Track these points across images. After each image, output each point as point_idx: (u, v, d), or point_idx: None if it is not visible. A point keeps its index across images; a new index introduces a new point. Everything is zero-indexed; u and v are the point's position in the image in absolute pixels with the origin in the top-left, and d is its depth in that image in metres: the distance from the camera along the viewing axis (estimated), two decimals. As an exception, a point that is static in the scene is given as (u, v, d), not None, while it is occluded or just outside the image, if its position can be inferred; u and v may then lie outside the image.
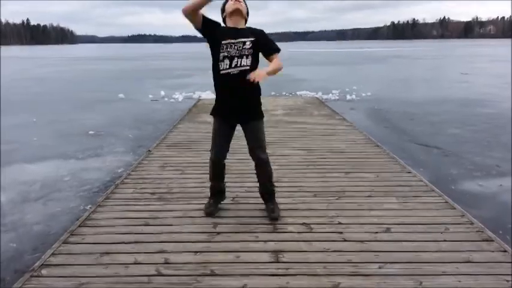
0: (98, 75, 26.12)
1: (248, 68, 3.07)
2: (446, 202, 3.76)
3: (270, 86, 14.04)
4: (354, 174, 4.59)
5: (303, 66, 31.37)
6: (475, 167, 6.15)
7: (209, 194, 3.59)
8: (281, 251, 2.88)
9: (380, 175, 4.54)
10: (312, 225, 3.27)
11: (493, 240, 3.01)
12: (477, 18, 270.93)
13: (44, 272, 2.64)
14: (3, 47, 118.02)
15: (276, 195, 3.53)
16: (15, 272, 3.26)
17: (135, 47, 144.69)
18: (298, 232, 3.17)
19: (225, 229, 3.23)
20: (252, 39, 3.09)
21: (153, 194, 4.02)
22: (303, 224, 3.30)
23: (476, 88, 16.55)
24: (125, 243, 3.01)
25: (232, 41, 3.05)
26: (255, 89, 3.18)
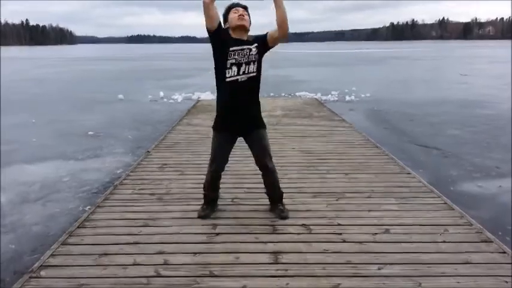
0: (97, 76, 26.12)
1: (255, 74, 3.13)
2: (445, 203, 3.76)
3: (269, 87, 14.05)
4: (353, 175, 4.59)
5: (302, 67, 31.41)
6: (474, 168, 6.16)
7: (204, 201, 3.58)
8: (280, 252, 2.87)
9: (379, 176, 4.54)
10: (311, 226, 3.27)
11: (492, 242, 3.01)
12: (476, 19, 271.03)
13: (43, 273, 2.64)
14: (2, 48, 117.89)
15: None
16: (15, 273, 3.25)
17: (135, 48, 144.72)
18: (297, 233, 3.17)
19: (225, 230, 3.23)
20: (256, 44, 3.13)
21: (152, 194, 4.02)
22: (302, 225, 3.30)
23: (475, 89, 16.57)
24: (124, 244, 3.01)
25: (240, 48, 3.08)
26: (257, 101, 3.25)
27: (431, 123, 9.84)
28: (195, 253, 2.87)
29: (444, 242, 3.02)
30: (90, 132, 8.84)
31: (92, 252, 2.89)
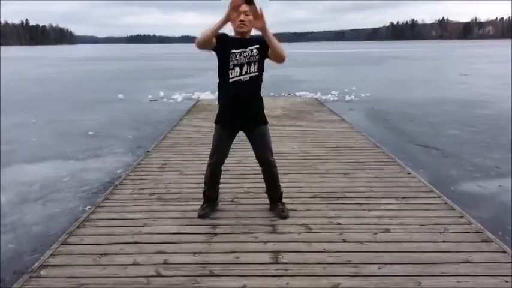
0: (97, 76, 26.13)
1: (257, 73, 3.19)
2: (445, 203, 3.76)
3: (269, 87, 14.03)
4: (353, 175, 4.59)
5: (302, 67, 31.38)
6: (474, 168, 6.16)
7: (203, 200, 3.58)
8: (280, 252, 2.87)
9: (379, 176, 4.54)
10: (311, 226, 3.27)
11: (492, 241, 3.01)
12: (476, 19, 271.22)
13: (43, 272, 2.64)
14: (2, 48, 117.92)
15: None
16: (15, 273, 3.25)
17: (135, 48, 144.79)
18: (297, 233, 3.17)
19: (224, 230, 3.23)
20: (258, 46, 3.16)
21: (152, 194, 4.02)
22: (303, 224, 3.30)
23: (475, 89, 16.58)
24: (124, 244, 3.01)
25: (241, 49, 3.12)
26: (259, 97, 3.31)
27: (431, 123, 9.84)
28: (195, 253, 2.87)
29: (444, 241, 3.02)
30: (90, 132, 8.84)
31: (92, 252, 2.89)
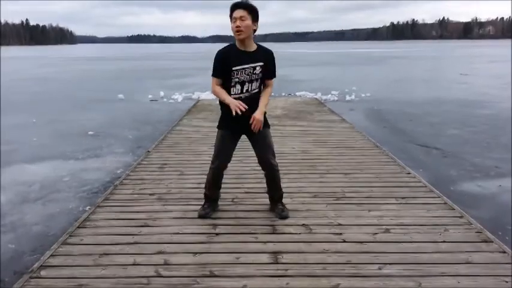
0: (97, 76, 26.13)
1: (257, 90, 3.21)
2: (445, 203, 3.76)
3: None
4: (353, 175, 4.59)
5: (302, 67, 31.39)
6: (474, 168, 6.15)
7: (204, 200, 3.57)
8: (280, 252, 2.87)
9: (379, 176, 4.54)
10: (311, 226, 3.27)
11: (492, 241, 3.01)
12: (476, 19, 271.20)
13: (43, 273, 2.64)
14: (2, 48, 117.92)
15: None
16: (14, 273, 3.25)
17: (135, 47, 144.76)
18: (297, 233, 3.17)
19: (225, 230, 3.23)
20: (261, 63, 3.15)
21: (152, 194, 4.02)
22: (303, 225, 3.30)
23: (475, 89, 16.57)
24: (124, 244, 3.01)
25: (244, 66, 3.10)
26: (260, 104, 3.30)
27: (431, 123, 9.84)
28: (195, 253, 2.87)
29: (444, 241, 3.02)
30: (90, 132, 8.83)
31: (92, 252, 2.89)
